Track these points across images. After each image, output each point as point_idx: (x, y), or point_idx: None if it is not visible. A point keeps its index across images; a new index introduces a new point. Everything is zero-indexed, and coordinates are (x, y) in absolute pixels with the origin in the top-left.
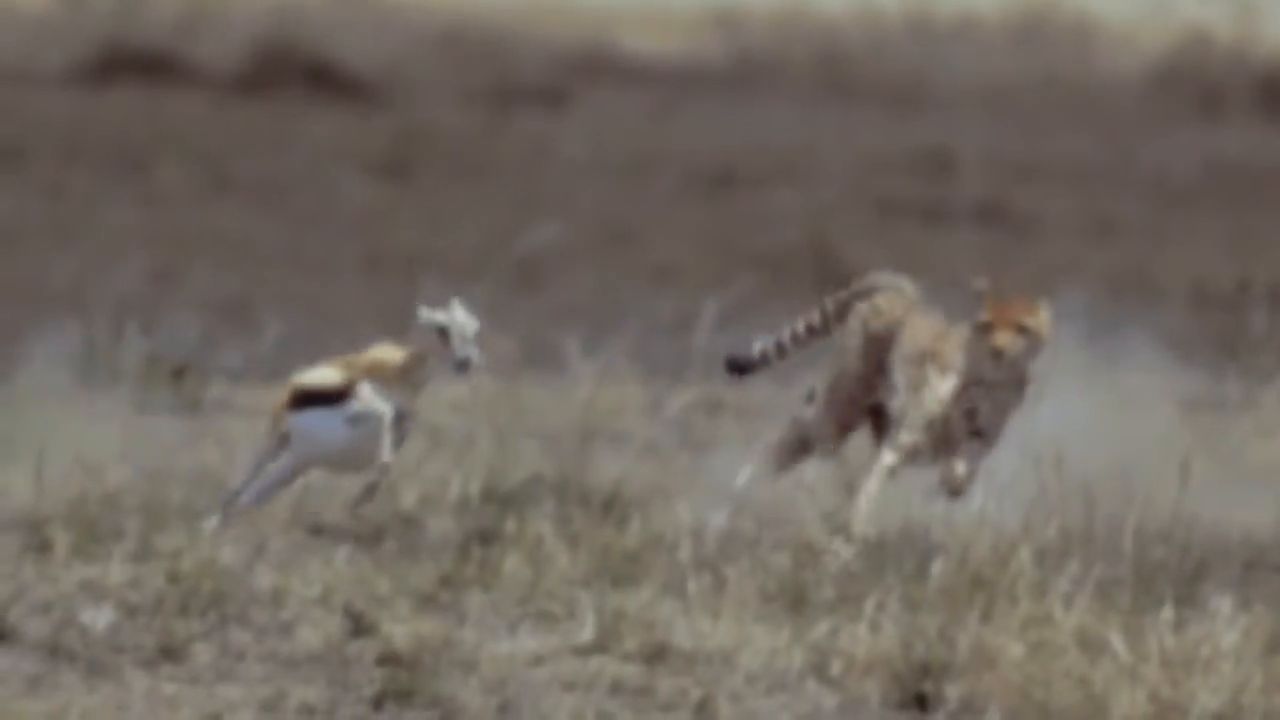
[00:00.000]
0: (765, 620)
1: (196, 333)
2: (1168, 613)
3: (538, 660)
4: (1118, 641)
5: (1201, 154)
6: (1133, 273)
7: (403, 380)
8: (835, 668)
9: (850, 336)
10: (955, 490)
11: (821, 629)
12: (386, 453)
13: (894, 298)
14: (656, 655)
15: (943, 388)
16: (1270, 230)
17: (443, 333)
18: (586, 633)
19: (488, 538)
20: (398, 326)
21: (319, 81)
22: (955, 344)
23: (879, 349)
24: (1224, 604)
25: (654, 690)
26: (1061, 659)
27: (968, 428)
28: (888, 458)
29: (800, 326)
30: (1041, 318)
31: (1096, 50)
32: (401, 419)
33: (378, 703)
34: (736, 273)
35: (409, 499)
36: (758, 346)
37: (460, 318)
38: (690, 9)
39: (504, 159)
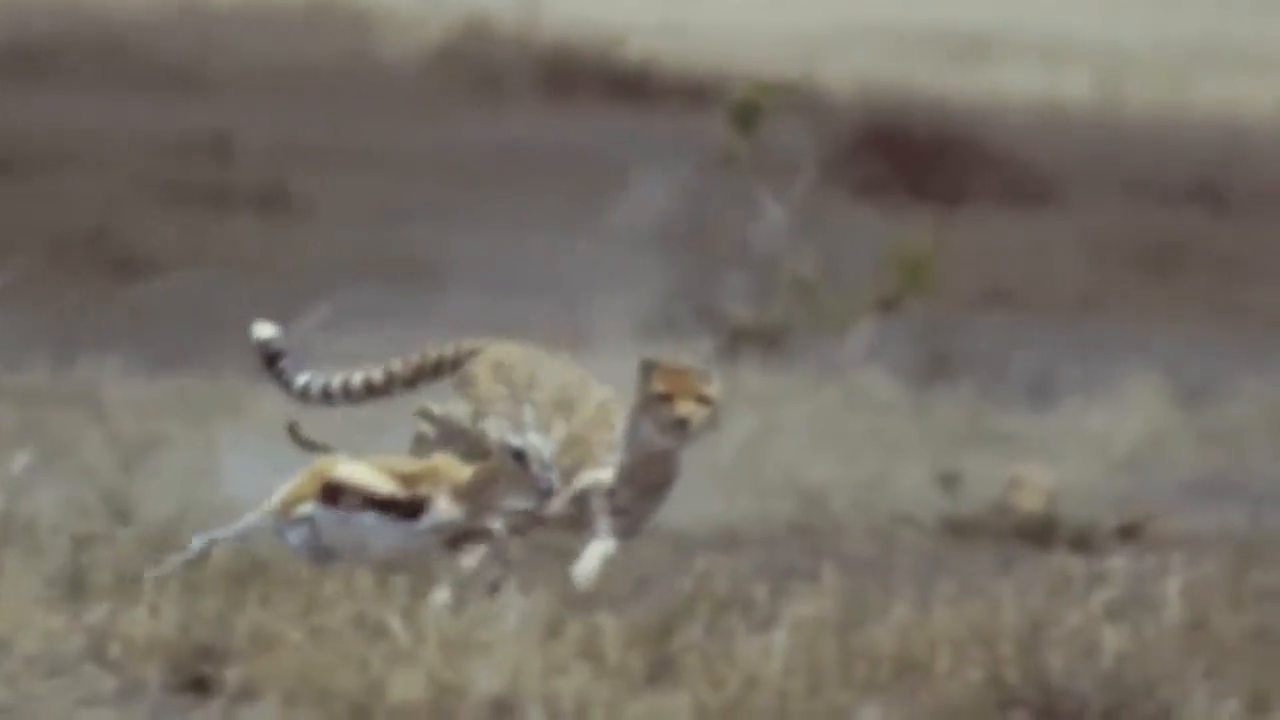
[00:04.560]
0: (43, 605)
1: None
2: (444, 595)
3: None
4: (396, 624)
5: (485, 137)
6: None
7: (469, 498)
8: (114, 651)
9: None
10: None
11: (100, 612)
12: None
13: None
14: None
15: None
16: None
17: (519, 456)
18: None
19: None
20: None
21: None
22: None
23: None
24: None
25: None
26: (340, 642)
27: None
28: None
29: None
30: (716, 387)
31: (378, 37)
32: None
33: None
34: (18, 256)
35: None
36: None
37: (535, 440)
38: None
39: None
